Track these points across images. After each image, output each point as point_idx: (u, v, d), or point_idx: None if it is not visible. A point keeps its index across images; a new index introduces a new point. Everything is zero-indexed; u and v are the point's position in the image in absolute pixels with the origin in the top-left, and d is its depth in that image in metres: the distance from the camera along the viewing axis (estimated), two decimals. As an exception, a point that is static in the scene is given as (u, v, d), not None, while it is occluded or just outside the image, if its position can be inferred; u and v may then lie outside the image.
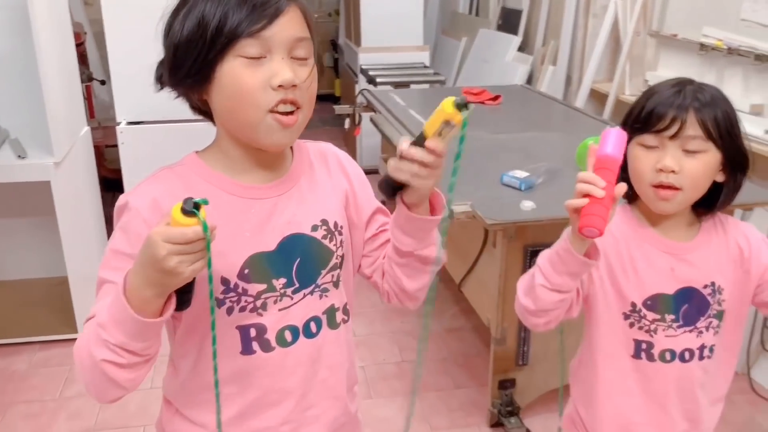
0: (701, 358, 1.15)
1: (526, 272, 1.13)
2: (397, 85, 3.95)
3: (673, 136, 1.05)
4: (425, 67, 4.46)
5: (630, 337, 1.15)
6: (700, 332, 1.14)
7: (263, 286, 0.92)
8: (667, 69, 3.33)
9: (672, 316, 1.13)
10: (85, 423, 2.27)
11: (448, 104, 0.84)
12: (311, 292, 0.96)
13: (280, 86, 0.84)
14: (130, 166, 3.00)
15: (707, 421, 1.20)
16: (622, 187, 0.97)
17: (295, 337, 0.95)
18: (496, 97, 3.25)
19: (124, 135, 2.96)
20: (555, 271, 1.04)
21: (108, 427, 2.25)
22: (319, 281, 0.96)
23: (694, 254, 1.13)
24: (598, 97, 3.73)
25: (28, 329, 2.70)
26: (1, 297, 2.91)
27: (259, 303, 0.92)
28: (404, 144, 0.86)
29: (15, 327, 2.70)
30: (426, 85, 4.10)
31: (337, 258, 0.98)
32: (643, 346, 1.14)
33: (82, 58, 3.82)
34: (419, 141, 0.86)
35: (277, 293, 0.93)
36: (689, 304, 1.13)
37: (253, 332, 0.93)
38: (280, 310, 0.94)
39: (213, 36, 0.83)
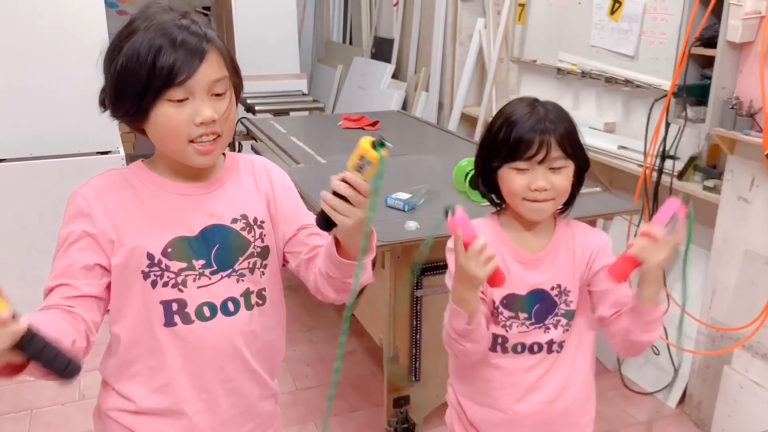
0: (549, 351, 1.29)
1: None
2: (277, 113, 3.97)
3: (542, 161, 1.20)
4: (304, 94, 4.51)
5: (490, 332, 1.27)
6: (548, 328, 1.28)
7: (183, 265, 1.07)
8: (530, 92, 3.58)
9: (525, 315, 1.27)
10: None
11: (365, 141, 0.93)
12: (229, 275, 1.10)
13: (201, 123, 1.01)
14: (-9, 207, 2.80)
15: (559, 407, 1.31)
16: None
17: (213, 313, 1.09)
18: (374, 123, 3.34)
19: (-18, 174, 2.76)
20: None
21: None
22: (237, 266, 1.11)
23: (543, 263, 1.28)
24: (468, 120, 3.94)
25: None
26: None
27: (180, 279, 1.07)
28: (333, 178, 0.98)
29: None
30: (305, 113, 4.14)
31: (254, 248, 1.12)
32: (499, 340, 1.28)
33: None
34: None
35: (196, 272, 1.08)
36: (540, 304, 1.27)
37: (174, 306, 1.07)
38: (198, 287, 1.08)
39: (144, 87, 0.98)
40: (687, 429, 2.40)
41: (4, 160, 2.81)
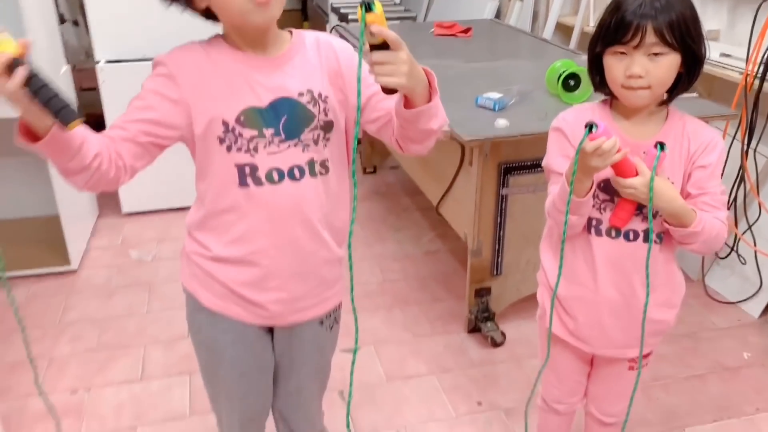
0: (646, 240, 1.33)
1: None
2: (369, 22, 4.01)
3: (637, 46, 1.21)
4: (396, 4, 4.52)
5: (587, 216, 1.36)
6: (646, 217, 1.31)
7: (255, 132, 1.16)
8: None
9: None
10: (87, 344, 2.40)
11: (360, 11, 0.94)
12: (295, 145, 1.19)
13: None
14: (111, 104, 3.05)
15: (641, 298, 1.36)
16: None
17: (281, 178, 1.19)
18: (467, 30, 3.34)
19: (104, 73, 3.01)
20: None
21: (110, 347, 2.38)
22: (302, 137, 1.20)
23: (650, 149, 1.29)
24: (564, 30, 3.85)
25: (25, 263, 2.79)
26: (-4, 234, 2.99)
27: (252, 145, 1.17)
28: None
29: (11, 262, 2.76)
30: (397, 22, 4.16)
31: (319, 121, 1.20)
32: (593, 222, 1.37)
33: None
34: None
35: (266, 140, 1.17)
36: None
37: (247, 169, 1.18)
38: (269, 153, 1.18)
39: None
40: (768, 338, 2.41)
41: (122, 60, 3.04)
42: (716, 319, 2.52)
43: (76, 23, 3.89)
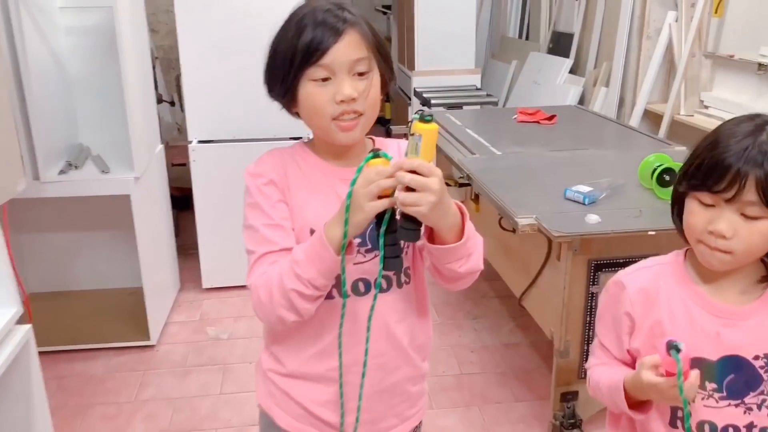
0: None
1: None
2: (450, 107, 4.05)
3: (730, 200, 0.96)
4: (477, 89, 4.56)
5: (667, 404, 1.06)
6: (749, 409, 1.04)
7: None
8: (724, 89, 3.35)
9: (714, 386, 1.04)
10: (160, 425, 2.38)
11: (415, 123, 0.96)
12: None
13: (342, 101, 1.05)
14: (200, 182, 3.15)
15: None
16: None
17: (368, 289, 1.13)
18: (551, 117, 3.31)
19: (195, 153, 3.12)
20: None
21: (181, 428, 2.35)
22: None
23: (748, 321, 1.03)
24: (652, 118, 3.76)
25: (105, 336, 2.85)
26: (81, 306, 3.08)
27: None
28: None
29: (93, 334, 2.85)
30: (478, 107, 4.18)
31: None
32: (679, 414, 1.05)
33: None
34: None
35: (353, 249, 1.07)
36: (736, 375, 1.04)
37: (333, 281, 1.08)
38: (354, 264, 1.11)
39: (288, 68, 1.06)
40: None
41: (212, 141, 3.16)
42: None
43: (172, 103, 4.10)
